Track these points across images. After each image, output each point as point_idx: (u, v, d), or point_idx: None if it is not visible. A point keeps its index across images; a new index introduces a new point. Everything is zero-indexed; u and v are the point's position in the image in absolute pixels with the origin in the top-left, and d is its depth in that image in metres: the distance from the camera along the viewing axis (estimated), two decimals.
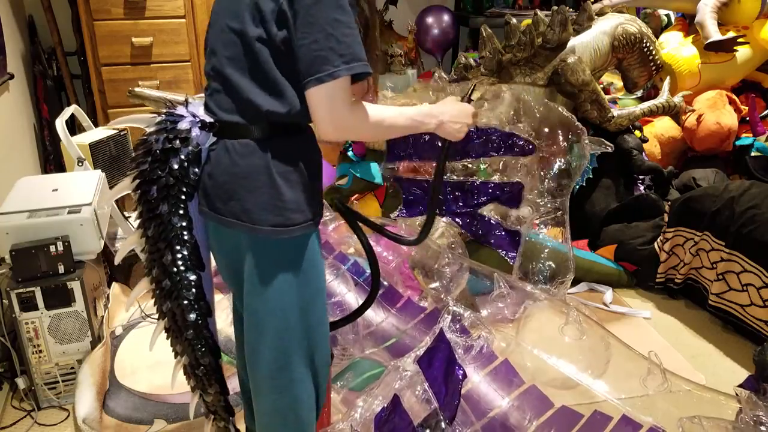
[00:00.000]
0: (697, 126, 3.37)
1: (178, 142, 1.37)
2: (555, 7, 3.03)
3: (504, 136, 2.39)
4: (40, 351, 2.20)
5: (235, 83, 1.32)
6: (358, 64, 1.22)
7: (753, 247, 2.52)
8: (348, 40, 1.21)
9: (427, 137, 2.50)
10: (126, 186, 1.45)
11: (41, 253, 2.14)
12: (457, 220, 2.50)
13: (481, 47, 3.18)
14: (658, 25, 4.07)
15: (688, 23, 3.82)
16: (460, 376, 1.49)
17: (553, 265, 2.35)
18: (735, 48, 3.48)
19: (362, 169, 3.11)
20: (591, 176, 3.27)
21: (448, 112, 1.49)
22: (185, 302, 1.44)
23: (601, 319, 2.72)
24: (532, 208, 2.18)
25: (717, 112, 3.36)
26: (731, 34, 3.51)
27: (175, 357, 1.56)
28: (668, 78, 3.53)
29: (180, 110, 1.42)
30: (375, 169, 3.05)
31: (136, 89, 2.83)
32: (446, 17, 4.93)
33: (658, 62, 3.33)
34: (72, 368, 2.25)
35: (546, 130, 2.50)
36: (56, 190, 2.42)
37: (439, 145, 2.21)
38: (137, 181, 1.41)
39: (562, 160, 2.42)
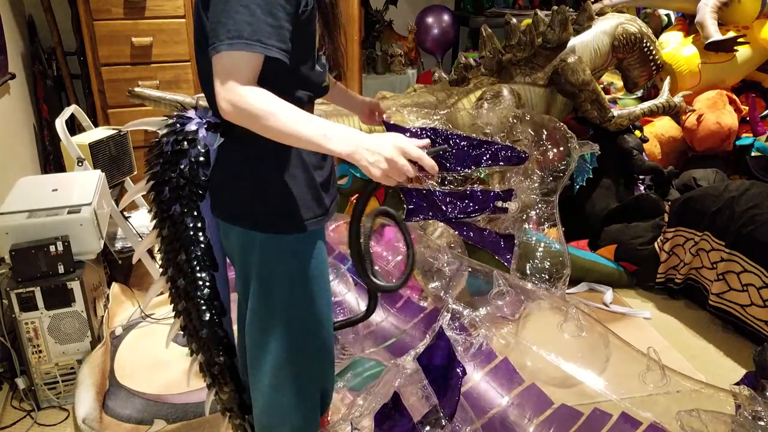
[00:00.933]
0: (697, 126, 3.37)
1: (186, 143, 1.38)
2: (555, 7, 3.03)
3: (499, 148, 2.41)
4: (40, 351, 2.20)
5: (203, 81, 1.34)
6: (239, 41, 1.11)
7: (753, 247, 2.52)
8: (239, 17, 1.11)
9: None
10: (141, 187, 1.47)
11: (41, 253, 2.14)
12: (452, 226, 2.50)
13: (481, 47, 3.18)
14: (658, 25, 4.07)
15: (689, 23, 3.82)
16: (460, 373, 1.49)
17: (549, 263, 2.36)
18: (735, 48, 3.48)
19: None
20: (591, 176, 3.28)
21: (368, 141, 1.20)
22: (200, 302, 1.46)
23: (602, 319, 2.72)
24: (518, 203, 2.19)
25: (717, 112, 3.36)
26: (731, 34, 3.51)
27: (191, 354, 1.58)
28: (668, 78, 3.53)
29: (189, 112, 1.44)
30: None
31: (136, 89, 2.83)
32: (446, 17, 4.94)
33: (659, 62, 3.33)
34: (72, 368, 2.25)
35: (545, 133, 2.52)
36: (56, 190, 2.42)
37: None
38: (151, 182, 1.44)
39: (560, 162, 2.43)
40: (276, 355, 1.42)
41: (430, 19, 4.94)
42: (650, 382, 1.56)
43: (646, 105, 3.31)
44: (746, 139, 3.41)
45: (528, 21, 3.32)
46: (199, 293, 1.46)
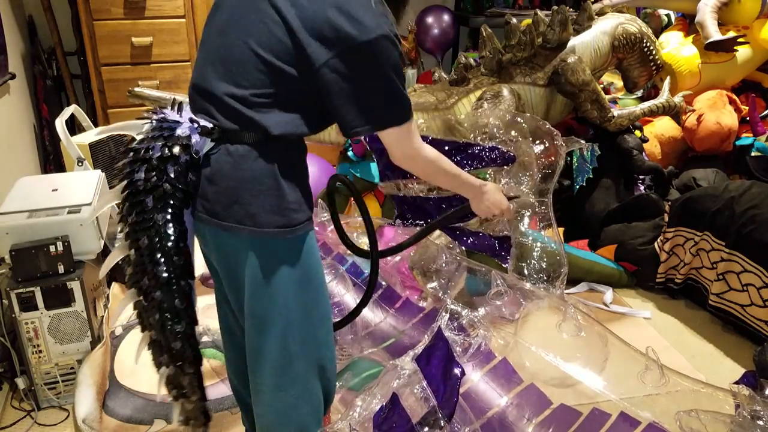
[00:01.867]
0: (697, 126, 3.37)
1: (178, 149, 1.33)
2: (555, 7, 3.03)
3: (487, 149, 2.43)
4: (40, 351, 2.20)
5: (245, 106, 1.31)
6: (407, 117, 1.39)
7: (753, 247, 2.52)
8: (401, 101, 1.36)
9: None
10: (115, 197, 1.41)
11: (41, 253, 2.14)
12: (447, 232, 2.51)
13: (481, 47, 3.18)
14: (658, 25, 4.06)
15: (689, 23, 3.81)
16: (459, 374, 1.49)
17: (546, 263, 2.36)
18: (735, 48, 3.48)
19: (362, 169, 3.11)
20: (591, 176, 3.28)
21: (492, 194, 1.74)
22: (176, 312, 1.41)
23: (602, 319, 2.71)
24: (514, 205, 2.19)
25: (717, 112, 3.36)
26: (731, 34, 3.51)
27: (158, 368, 1.50)
28: (668, 78, 3.53)
29: (172, 115, 1.38)
30: (375, 169, 3.06)
31: (136, 89, 2.83)
32: (446, 17, 4.93)
33: (659, 62, 3.33)
34: (72, 368, 2.25)
35: (530, 132, 2.52)
36: (56, 190, 2.42)
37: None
38: (127, 191, 1.37)
39: (548, 160, 2.43)
40: (277, 357, 1.42)
41: (430, 19, 4.93)
42: (649, 382, 1.56)
43: (646, 105, 3.31)
44: (746, 139, 3.41)
45: (528, 21, 3.32)
46: (177, 303, 1.40)
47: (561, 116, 3.29)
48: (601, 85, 3.68)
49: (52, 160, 3.67)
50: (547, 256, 2.37)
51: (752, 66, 3.63)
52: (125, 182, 1.37)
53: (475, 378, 1.62)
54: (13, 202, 2.31)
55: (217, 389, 2.25)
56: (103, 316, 2.49)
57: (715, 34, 3.41)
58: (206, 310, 2.70)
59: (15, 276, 2.15)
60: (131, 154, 1.37)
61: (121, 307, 1.49)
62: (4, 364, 2.32)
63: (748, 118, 3.48)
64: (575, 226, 3.32)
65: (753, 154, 3.32)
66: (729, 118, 3.35)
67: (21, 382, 2.24)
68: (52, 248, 2.15)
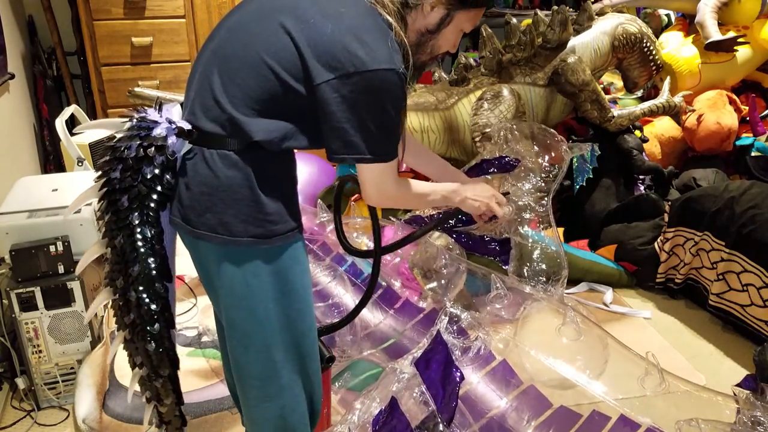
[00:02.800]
0: (697, 126, 3.37)
1: (153, 149, 1.30)
2: (555, 7, 3.03)
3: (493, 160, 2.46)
4: (40, 351, 2.20)
5: (231, 105, 1.28)
6: (388, 158, 1.36)
7: (753, 247, 2.52)
8: (391, 138, 1.34)
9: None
10: (92, 194, 1.39)
11: (41, 253, 2.14)
12: (449, 234, 2.51)
13: (481, 47, 3.18)
14: (658, 25, 4.06)
15: (689, 23, 3.81)
16: (458, 378, 1.49)
17: (546, 265, 2.36)
18: (735, 48, 3.48)
19: None
20: (591, 176, 3.28)
21: (470, 190, 1.70)
22: (151, 314, 1.38)
23: (602, 319, 2.72)
24: (512, 207, 2.19)
25: (717, 112, 3.36)
26: (731, 34, 3.50)
27: (132, 369, 1.49)
28: (668, 78, 3.53)
29: (152, 115, 1.36)
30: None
31: (136, 89, 2.83)
32: None
33: (659, 62, 3.33)
34: (72, 368, 2.26)
35: (536, 139, 2.53)
36: (56, 190, 2.42)
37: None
38: (105, 189, 1.36)
39: (552, 166, 2.44)
40: (261, 369, 1.40)
41: None
42: (649, 386, 1.56)
43: (646, 105, 3.31)
44: (746, 139, 3.41)
45: (528, 21, 3.33)
46: (153, 306, 1.37)
47: (561, 116, 3.29)
48: (601, 85, 3.68)
49: (52, 160, 3.67)
50: (547, 258, 2.37)
51: (752, 66, 3.63)
52: (103, 180, 1.36)
53: (474, 380, 1.62)
54: (13, 202, 2.31)
55: (217, 389, 2.25)
56: (103, 316, 2.49)
57: (715, 34, 3.41)
58: (206, 310, 2.71)
59: (15, 276, 2.15)
60: (109, 152, 1.36)
61: (96, 303, 1.47)
62: (4, 364, 2.32)
63: (748, 118, 3.48)
64: (575, 226, 3.32)
65: (753, 154, 3.32)
66: (729, 118, 3.35)
67: (21, 382, 2.24)
68: (52, 248, 2.15)
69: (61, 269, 2.18)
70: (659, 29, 4.01)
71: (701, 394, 1.59)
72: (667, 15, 4.14)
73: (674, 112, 3.41)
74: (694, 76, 3.55)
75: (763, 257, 2.48)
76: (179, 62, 3.73)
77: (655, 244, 2.99)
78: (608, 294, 2.94)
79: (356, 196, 3.26)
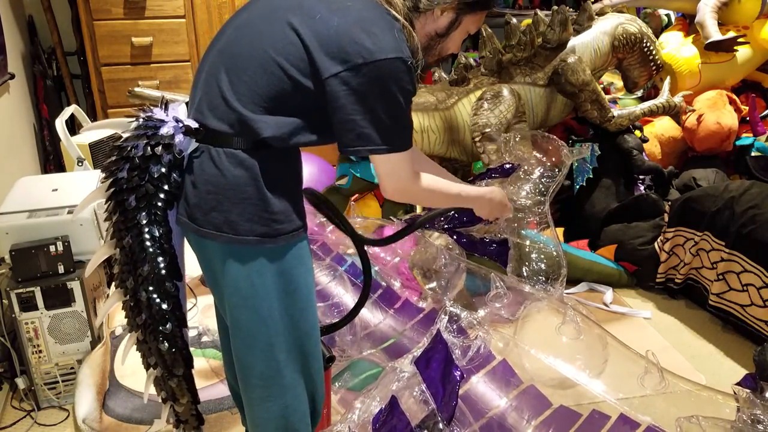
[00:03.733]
0: (697, 126, 3.37)
1: (160, 148, 1.30)
2: (555, 7, 3.03)
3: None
4: (40, 351, 2.20)
5: (240, 103, 1.28)
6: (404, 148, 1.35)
7: (753, 247, 2.52)
8: (405, 129, 1.35)
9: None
10: (99, 195, 1.39)
11: (41, 253, 2.14)
12: (449, 234, 2.52)
13: (481, 47, 3.18)
14: (658, 25, 4.06)
15: (689, 23, 3.81)
16: (458, 377, 1.49)
17: (545, 264, 2.36)
18: (735, 48, 3.48)
19: (362, 169, 3.11)
20: (591, 176, 3.28)
21: (490, 195, 1.72)
22: (162, 313, 1.38)
23: (601, 319, 2.72)
24: (511, 208, 2.20)
25: (717, 112, 3.36)
26: (731, 34, 3.50)
27: (147, 370, 1.49)
28: (668, 78, 3.53)
29: (159, 113, 1.36)
30: (375, 169, 3.05)
31: (136, 89, 2.84)
32: None
33: (659, 62, 3.33)
34: (72, 368, 2.26)
35: (538, 146, 2.54)
36: (56, 190, 2.42)
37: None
38: (112, 189, 1.36)
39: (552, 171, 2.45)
40: (264, 369, 1.40)
41: None
42: (649, 385, 1.56)
43: (646, 105, 3.31)
44: (746, 139, 3.41)
45: (528, 21, 3.32)
46: (164, 305, 1.37)
47: (561, 116, 3.29)
48: (601, 85, 3.68)
49: (52, 160, 3.67)
50: (546, 257, 2.38)
51: (752, 66, 3.63)
52: (110, 180, 1.36)
53: (474, 379, 1.62)
54: (13, 202, 2.31)
55: (217, 389, 2.25)
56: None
57: (715, 34, 3.41)
58: (206, 310, 2.72)
59: (15, 276, 2.15)
60: (116, 152, 1.36)
61: (107, 305, 1.48)
62: (4, 364, 2.32)
63: (748, 118, 3.48)
64: (575, 226, 3.32)
65: (753, 154, 3.32)
66: (729, 118, 3.35)
67: (21, 382, 2.24)
68: (52, 248, 2.15)
69: (61, 269, 2.18)
70: (659, 29, 4.01)
71: (701, 392, 1.59)
72: (667, 15, 4.13)
73: (674, 112, 3.41)
74: (694, 76, 3.55)
75: (763, 257, 2.48)
76: (179, 62, 3.73)
77: (655, 244, 2.99)
78: (608, 294, 2.94)
79: (356, 196, 3.26)
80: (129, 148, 1.33)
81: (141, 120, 1.37)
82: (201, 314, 2.73)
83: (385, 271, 2.24)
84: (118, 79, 3.63)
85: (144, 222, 1.33)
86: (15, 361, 2.26)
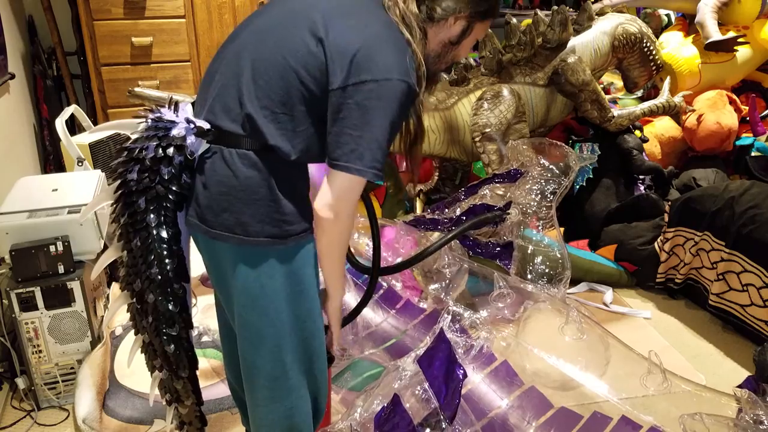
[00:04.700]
0: (697, 126, 3.37)
1: (171, 150, 1.30)
2: (555, 7, 3.03)
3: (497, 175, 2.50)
4: (40, 351, 2.20)
5: (252, 105, 1.28)
6: (372, 172, 1.28)
7: (753, 247, 2.52)
8: (379, 149, 1.27)
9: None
10: (107, 197, 1.38)
11: (41, 253, 2.14)
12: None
13: (481, 47, 3.18)
14: (658, 25, 4.07)
15: (689, 23, 3.81)
16: (461, 376, 1.49)
17: (549, 265, 2.36)
18: (735, 48, 3.48)
19: None
20: (591, 176, 3.28)
21: (342, 295, 1.53)
22: (169, 315, 1.38)
23: (602, 319, 2.72)
24: (518, 210, 2.20)
25: (717, 112, 3.36)
26: (731, 34, 3.51)
27: (152, 372, 1.49)
28: (668, 78, 3.53)
29: (168, 114, 1.35)
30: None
31: (136, 89, 2.83)
32: None
33: (659, 62, 3.33)
34: (72, 368, 2.25)
35: (545, 152, 2.55)
36: (56, 190, 2.42)
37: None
38: (121, 191, 1.35)
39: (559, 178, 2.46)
40: (271, 369, 1.41)
41: None
42: (651, 385, 1.56)
43: (646, 105, 3.31)
44: (746, 139, 3.41)
45: (528, 21, 3.32)
46: (170, 307, 1.37)
47: (561, 116, 3.29)
48: (601, 85, 3.68)
49: (52, 160, 3.67)
50: (550, 259, 2.38)
51: (752, 66, 3.63)
52: (118, 182, 1.35)
53: (476, 380, 1.62)
54: (13, 202, 2.31)
55: (217, 389, 2.25)
56: (103, 316, 2.49)
57: (715, 34, 3.41)
58: (206, 310, 2.71)
59: (15, 276, 2.15)
60: (125, 153, 1.35)
61: (114, 308, 1.47)
62: (4, 364, 2.32)
63: (748, 118, 3.49)
64: (575, 226, 3.32)
65: (753, 154, 3.32)
66: (729, 118, 3.35)
67: (21, 382, 2.24)
68: (52, 248, 2.15)
69: (61, 269, 2.18)
70: (659, 29, 4.01)
71: (703, 393, 1.60)
72: (667, 15, 4.14)
73: (674, 112, 3.41)
74: (694, 76, 3.55)
75: (763, 257, 2.48)
76: (179, 62, 3.72)
77: (655, 244, 2.99)
78: (608, 294, 2.94)
79: None
80: (138, 150, 1.33)
81: (150, 121, 1.36)
82: (201, 314, 2.72)
83: None
84: (118, 79, 3.63)
85: (153, 224, 1.33)
86: (15, 361, 2.26)
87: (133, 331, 1.49)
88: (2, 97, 3.01)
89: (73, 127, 3.51)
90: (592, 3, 3.34)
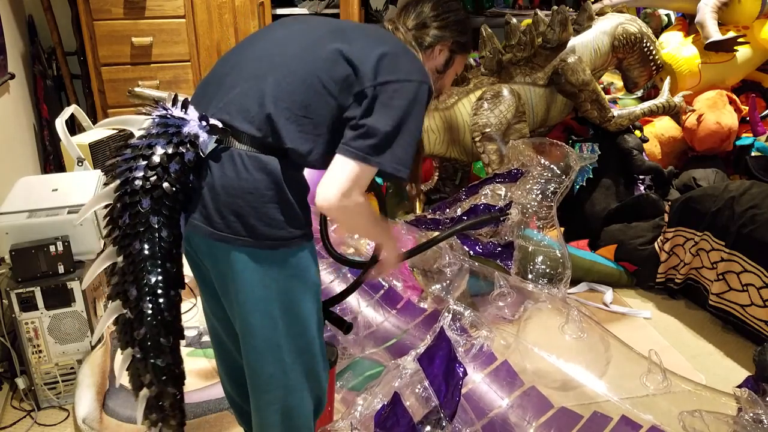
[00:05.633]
0: (697, 126, 3.37)
1: (183, 148, 1.26)
2: (555, 7, 3.03)
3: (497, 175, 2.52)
4: (40, 351, 2.20)
5: (274, 107, 1.29)
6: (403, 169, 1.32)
7: (753, 247, 2.52)
8: (409, 148, 1.33)
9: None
10: (107, 196, 1.30)
11: (41, 253, 2.14)
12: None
13: (481, 47, 3.18)
14: (658, 25, 4.07)
15: (689, 23, 3.81)
16: (461, 374, 1.49)
17: (549, 265, 2.37)
18: (735, 48, 3.48)
19: None
20: (591, 176, 3.28)
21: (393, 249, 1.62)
22: (164, 325, 1.29)
23: (602, 319, 2.72)
24: (518, 210, 2.20)
25: (717, 112, 3.36)
26: (731, 33, 3.51)
27: (139, 389, 1.37)
28: (668, 78, 3.53)
29: (176, 111, 1.31)
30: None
31: (136, 89, 2.84)
32: None
33: (659, 62, 3.33)
34: (72, 368, 2.25)
35: (544, 152, 2.55)
36: (56, 190, 2.41)
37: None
38: (121, 191, 1.28)
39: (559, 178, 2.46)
40: (273, 371, 1.41)
41: None
42: (651, 384, 1.56)
43: (646, 105, 3.31)
44: (746, 139, 3.41)
45: (528, 21, 3.32)
46: (166, 315, 1.29)
47: (561, 116, 3.29)
48: (601, 85, 3.68)
49: (52, 160, 3.67)
50: (550, 258, 2.38)
51: (752, 66, 3.63)
52: (119, 181, 1.28)
53: (476, 379, 1.62)
54: (13, 202, 2.30)
55: (217, 389, 2.24)
56: (102, 316, 2.49)
57: (715, 34, 3.41)
58: None
59: (15, 276, 2.14)
60: (129, 150, 1.29)
61: (103, 322, 1.36)
62: (4, 364, 2.32)
63: (748, 118, 3.48)
64: (575, 226, 3.32)
65: (753, 154, 3.32)
66: (729, 118, 3.35)
67: (21, 382, 2.24)
68: (52, 248, 2.15)
69: (61, 269, 2.18)
70: (659, 29, 4.01)
71: (703, 392, 1.60)
72: (667, 15, 4.14)
73: (674, 112, 3.41)
74: (694, 76, 3.55)
75: (763, 257, 2.48)
76: (179, 62, 3.72)
77: (655, 244, 2.99)
78: (608, 294, 2.94)
79: None
80: (144, 146, 1.28)
81: (156, 118, 1.32)
82: (201, 314, 2.72)
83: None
84: (118, 79, 3.63)
85: (156, 225, 1.26)
86: (15, 361, 2.26)
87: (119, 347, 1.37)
88: (2, 97, 3.01)
89: (73, 127, 3.51)
90: (592, 3, 3.34)
